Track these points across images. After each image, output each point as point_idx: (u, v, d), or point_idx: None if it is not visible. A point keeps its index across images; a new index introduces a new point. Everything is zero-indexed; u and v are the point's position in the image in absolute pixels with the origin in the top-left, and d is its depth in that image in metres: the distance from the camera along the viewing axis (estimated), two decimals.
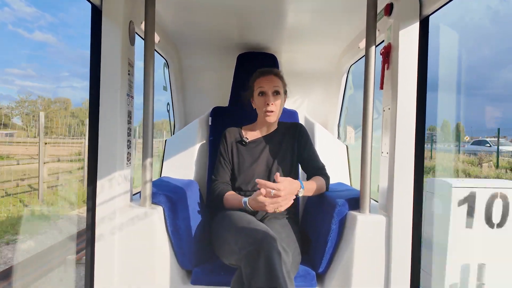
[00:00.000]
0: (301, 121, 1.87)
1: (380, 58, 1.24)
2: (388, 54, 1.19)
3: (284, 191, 1.16)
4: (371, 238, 1.14)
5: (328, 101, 2.17)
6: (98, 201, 1.12)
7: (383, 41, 1.34)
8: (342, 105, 2.11)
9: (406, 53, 1.12)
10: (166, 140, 1.84)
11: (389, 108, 1.17)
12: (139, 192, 1.32)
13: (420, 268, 1.15)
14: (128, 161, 1.20)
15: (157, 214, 1.15)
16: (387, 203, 1.17)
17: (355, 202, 1.22)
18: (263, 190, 1.15)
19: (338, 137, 2.16)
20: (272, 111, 1.40)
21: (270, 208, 1.16)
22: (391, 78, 1.16)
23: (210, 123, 1.76)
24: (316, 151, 1.50)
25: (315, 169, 1.44)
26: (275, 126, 1.53)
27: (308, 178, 1.44)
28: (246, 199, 1.25)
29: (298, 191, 1.23)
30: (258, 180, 1.17)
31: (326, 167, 1.46)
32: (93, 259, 1.12)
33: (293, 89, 2.02)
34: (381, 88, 1.23)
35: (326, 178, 1.41)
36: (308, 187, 1.29)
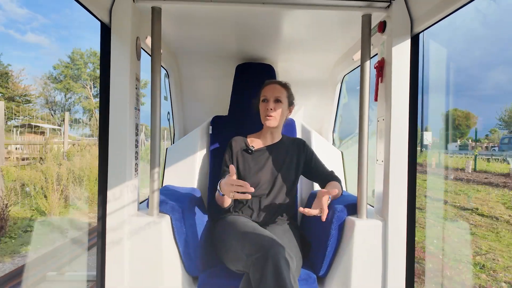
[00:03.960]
0: (298, 128, 1.94)
1: (374, 69, 1.32)
2: (381, 68, 1.27)
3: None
4: (368, 242, 1.21)
5: (323, 109, 2.25)
6: (108, 210, 1.16)
7: (376, 54, 1.42)
8: (336, 113, 2.19)
9: (399, 67, 1.20)
10: (167, 149, 1.88)
11: (383, 119, 1.25)
12: (145, 200, 1.36)
13: (414, 270, 1.22)
14: (135, 171, 1.24)
15: (165, 223, 1.20)
16: (383, 208, 1.24)
17: (353, 207, 1.29)
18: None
19: (333, 143, 2.24)
20: (271, 116, 1.48)
21: (227, 194, 1.18)
22: (385, 90, 1.24)
23: (210, 132, 1.81)
24: (320, 160, 1.57)
25: (326, 175, 1.51)
26: (279, 137, 1.60)
27: (322, 185, 1.51)
28: (219, 186, 1.30)
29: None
30: (305, 210, 1.18)
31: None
32: (103, 265, 1.16)
33: None
34: (375, 100, 1.31)
35: (339, 181, 1.48)
36: (332, 197, 1.35)
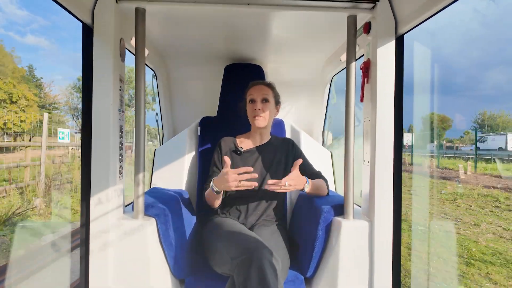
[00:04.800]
0: (287, 129, 1.94)
1: (360, 70, 1.32)
2: (367, 69, 1.27)
3: (294, 183, 1.26)
4: (355, 243, 1.21)
5: (313, 110, 2.25)
6: (92, 214, 1.14)
7: (363, 55, 1.42)
8: (326, 113, 2.20)
9: (384, 68, 1.20)
10: (155, 150, 1.86)
11: (369, 120, 1.25)
12: (131, 203, 1.34)
13: (400, 269, 1.23)
14: (120, 174, 1.23)
15: (150, 226, 1.18)
16: (369, 208, 1.24)
17: (339, 208, 1.29)
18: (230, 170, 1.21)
19: (323, 144, 2.24)
20: (260, 116, 1.47)
21: (232, 184, 1.19)
22: (371, 91, 1.24)
23: (199, 133, 1.80)
24: (308, 160, 1.57)
25: (313, 175, 1.51)
26: (268, 137, 1.59)
27: None
28: (212, 183, 1.30)
29: (304, 185, 1.32)
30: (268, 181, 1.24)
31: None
32: (87, 270, 1.14)
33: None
34: (362, 101, 1.31)
35: (325, 181, 1.48)
36: (313, 184, 1.37)
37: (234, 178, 1.18)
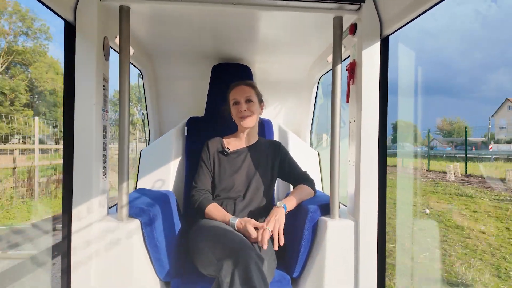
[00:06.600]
0: (275, 129, 1.94)
1: (346, 71, 1.33)
2: (353, 70, 1.28)
3: (278, 228, 1.25)
4: (341, 242, 1.22)
5: (300, 110, 2.26)
6: (74, 216, 1.12)
7: (349, 56, 1.43)
8: (313, 114, 2.21)
9: (369, 69, 1.21)
10: (141, 150, 1.84)
11: (354, 121, 1.26)
12: (115, 205, 1.32)
13: (385, 268, 1.25)
14: (103, 175, 1.20)
15: (135, 228, 1.17)
16: (355, 208, 1.26)
17: (326, 208, 1.30)
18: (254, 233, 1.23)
19: (310, 144, 2.25)
20: (246, 116, 1.47)
21: (253, 239, 1.24)
22: (356, 92, 1.26)
23: (186, 133, 1.78)
24: (295, 161, 1.58)
25: (297, 175, 1.52)
26: (255, 138, 1.59)
27: (294, 186, 1.52)
28: (234, 221, 1.29)
29: (283, 214, 1.31)
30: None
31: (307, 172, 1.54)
32: (69, 269, 1.12)
33: (267, 99, 2.08)
34: (347, 101, 1.32)
35: (309, 182, 1.49)
36: (290, 204, 1.36)
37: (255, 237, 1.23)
